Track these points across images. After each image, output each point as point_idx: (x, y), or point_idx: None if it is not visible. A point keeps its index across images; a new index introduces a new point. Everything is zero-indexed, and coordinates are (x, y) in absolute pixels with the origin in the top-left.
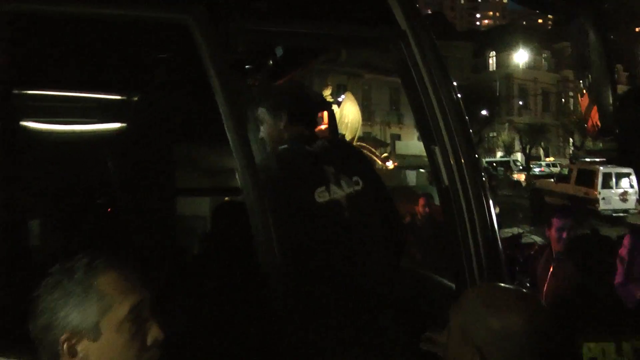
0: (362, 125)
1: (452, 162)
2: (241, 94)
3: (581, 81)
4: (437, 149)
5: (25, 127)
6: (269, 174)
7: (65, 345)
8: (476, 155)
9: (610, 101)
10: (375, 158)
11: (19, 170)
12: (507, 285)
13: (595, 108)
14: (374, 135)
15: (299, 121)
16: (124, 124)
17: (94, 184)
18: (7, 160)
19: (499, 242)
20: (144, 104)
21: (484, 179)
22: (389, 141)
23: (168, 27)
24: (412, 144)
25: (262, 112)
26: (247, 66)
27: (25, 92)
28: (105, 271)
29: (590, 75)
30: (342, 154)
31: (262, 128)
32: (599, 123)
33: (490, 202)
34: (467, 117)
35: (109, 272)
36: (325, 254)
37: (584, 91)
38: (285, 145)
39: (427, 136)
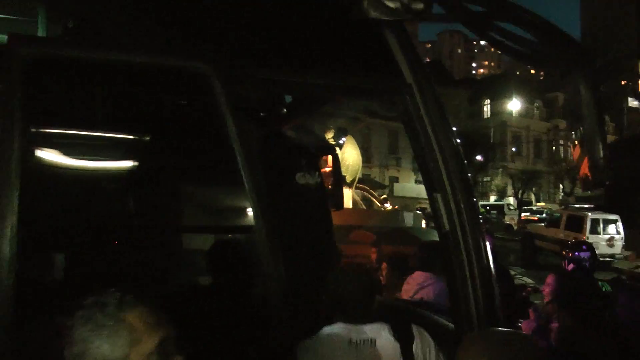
0: (362, 167)
1: (452, 207)
2: (254, 138)
3: (573, 132)
4: (439, 196)
5: (43, 165)
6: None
7: None
8: (475, 200)
9: (601, 155)
10: (373, 200)
11: (37, 204)
12: (510, 331)
13: (586, 160)
14: (373, 177)
15: None
16: (139, 164)
17: (107, 219)
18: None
19: (496, 285)
20: (160, 146)
21: (482, 224)
22: (387, 183)
23: (188, 74)
24: (409, 187)
25: None
26: (260, 113)
27: (47, 131)
28: (135, 306)
29: (582, 128)
30: None
31: None
32: (589, 174)
33: (488, 245)
34: (465, 163)
35: (139, 308)
36: None
37: (576, 142)
38: None
39: (430, 183)
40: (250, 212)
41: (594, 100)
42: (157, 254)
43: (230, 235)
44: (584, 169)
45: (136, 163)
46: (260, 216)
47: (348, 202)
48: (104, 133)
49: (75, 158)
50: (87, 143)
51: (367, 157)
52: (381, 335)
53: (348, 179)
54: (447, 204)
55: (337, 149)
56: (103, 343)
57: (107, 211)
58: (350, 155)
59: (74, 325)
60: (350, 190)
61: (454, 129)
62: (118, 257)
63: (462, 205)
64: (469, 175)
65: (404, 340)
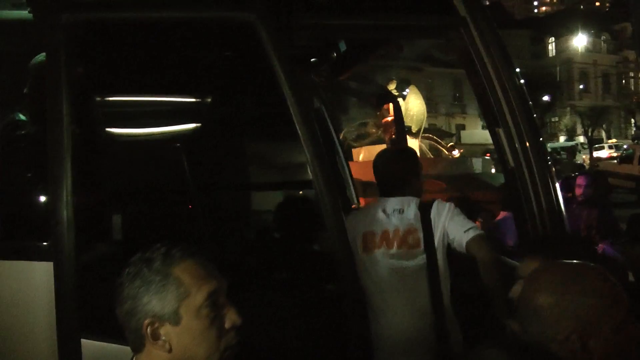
0: (427, 117)
1: (516, 143)
2: (306, 88)
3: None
4: (501, 131)
5: (103, 130)
6: None
7: (148, 330)
8: (541, 138)
9: None
10: (441, 148)
11: (101, 170)
12: (581, 263)
13: None
14: (439, 127)
15: None
16: (193, 123)
17: (172, 183)
18: (91, 161)
19: (566, 223)
20: (212, 103)
21: (549, 162)
22: (454, 131)
23: (233, 26)
24: (477, 133)
25: None
26: (311, 60)
27: (100, 97)
28: (182, 260)
29: None
30: None
31: None
32: None
33: (557, 184)
34: (530, 101)
35: (186, 261)
36: None
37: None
38: None
39: (491, 118)
40: (304, 165)
41: None
42: (211, 210)
43: (286, 189)
44: None
45: (189, 123)
46: (316, 169)
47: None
48: (154, 95)
49: (127, 122)
50: (139, 106)
51: (432, 106)
52: (409, 205)
53: (414, 129)
54: (511, 140)
55: (401, 99)
56: (152, 299)
57: (163, 172)
58: (414, 105)
59: (123, 282)
60: (417, 140)
61: (517, 70)
62: (175, 215)
63: (526, 140)
64: (532, 109)
65: (425, 209)
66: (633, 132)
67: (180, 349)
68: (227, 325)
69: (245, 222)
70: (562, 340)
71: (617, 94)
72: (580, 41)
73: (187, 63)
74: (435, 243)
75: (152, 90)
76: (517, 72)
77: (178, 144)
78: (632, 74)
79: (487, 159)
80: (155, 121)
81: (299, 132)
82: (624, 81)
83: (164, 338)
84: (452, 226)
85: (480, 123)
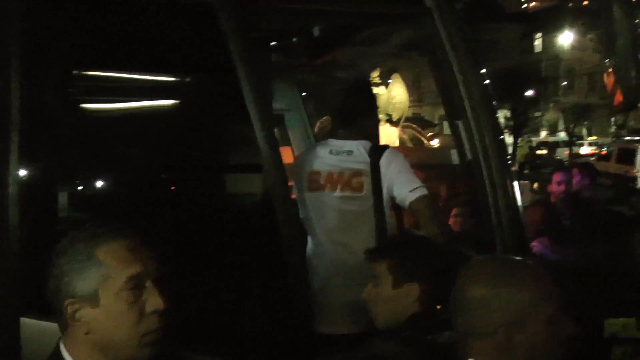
0: (412, 106)
1: (475, 138)
2: (266, 73)
3: (607, 60)
4: (460, 124)
5: (84, 107)
6: None
7: (68, 310)
8: (499, 129)
9: (634, 74)
10: (421, 137)
11: (48, 146)
12: (518, 259)
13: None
14: (423, 116)
15: None
16: (149, 102)
17: (125, 161)
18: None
19: (521, 217)
20: (168, 86)
21: (507, 156)
22: (437, 121)
23: (195, 8)
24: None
25: None
26: (272, 44)
27: (79, 72)
28: (107, 241)
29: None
30: None
31: None
32: (623, 97)
33: (514, 178)
34: (491, 94)
35: (111, 242)
36: None
37: (610, 69)
38: None
39: (451, 110)
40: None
41: (626, 16)
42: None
43: (230, 173)
44: (619, 95)
45: (144, 101)
46: (268, 154)
47: (394, 141)
48: (108, 72)
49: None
50: (99, 83)
51: (417, 96)
52: (359, 149)
53: (395, 118)
54: (470, 133)
55: (384, 87)
56: (73, 279)
57: (115, 150)
58: (397, 93)
59: (51, 260)
60: (398, 128)
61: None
62: (126, 194)
63: (486, 135)
64: (494, 104)
65: (375, 155)
66: (613, 130)
67: (98, 331)
68: (148, 309)
69: (197, 204)
70: (488, 334)
71: (601, 92)
72: (567, 38)
73: (142, 43)
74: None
75: (108, 66)
76: (481, 66)
77: (130, 123)
78: None
79: None
80: (109, 98)
81: (252, 116)
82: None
83: (83, 319)
84: (400, 181)
85: None
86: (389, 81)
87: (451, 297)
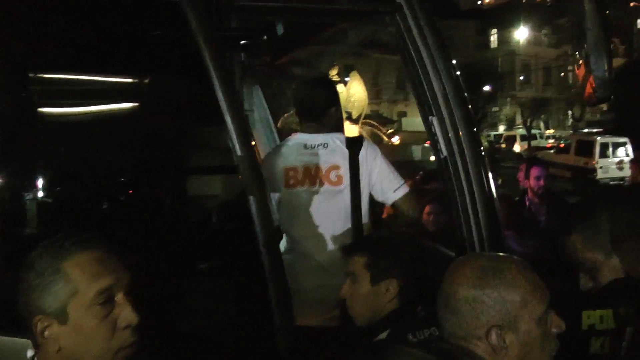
0: (371, 104)
1: (450, 131)
2: (234, 71)
3: (577, 52)
4: (434, 120)
5: (41, 111)
6: None
7: (38, 327)
8: (474, 124)
9: (606, 68)
10: (381, 134)
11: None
12: (501, 255)
13: (591, 78)
14: (381, 113)
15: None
16: (112, 106)
17: (102, 168)
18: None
19: (498, 212)
20: (134, 86)
21: (482, 150)
22: (395, 118)
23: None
24: (418, 121)
25: None
26: (241, 42)
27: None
28: (74, 254)
29: (586, 45)
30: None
31: None
32: (595, 91)
33: (490, 173)
34: (465, 90)
35: (78, 255)
36: None
37: (581, 62)
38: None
39: (425, 106)
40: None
41: (598, 10)
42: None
43: (204, 177)
44: (589, 87)
45: (107, 104)
46: (243, 155)
47: None
48: (68, 73)
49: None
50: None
51: (375, 93)
52: (334, 141)
53: (354, 115)
54: (444, 128)
55: (343, 85)
56: (41, 294)
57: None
58: (356, 91)
59: (21, 274)
60: (357, 126)
61: (461, 62)
62: (91, 200)
63: (460, 129)
64: (467, 98)
65: (354, 147)
66: (570, 124)
67: (69, 348)
68: (121, 324)
69: (166, 207)
70: (480, 335)
71: (558, 87)
72: (522, 34)
73: (106, 41)
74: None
75: (68, 68)
76: (453, 61)
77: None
78: (570, 68)
79: (427, 146)
80: (68, 101)
81: (226, 118)
82: (563, 74)
83: (53, 336)
84: (382, 179)
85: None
86: (347, 79)
87: (439, 298)
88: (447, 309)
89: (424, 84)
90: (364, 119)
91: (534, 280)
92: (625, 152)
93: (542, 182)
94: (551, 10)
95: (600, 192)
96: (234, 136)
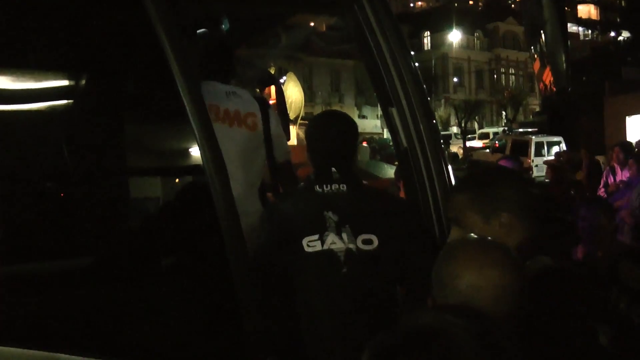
0: (305, 106)
1: (409, 123)
2: (192, 62)
3: (532, 47)
4: (394, 111)
5: None
6: None
7: None
8: (433, 115)
9: (564, 59)
10: None
11: None
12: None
13: (547, 70)
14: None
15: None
16: (68, 101)
17: (45, 167)
18: None
19: None
20: (88, 79)
21: (442, 142)
22: None
23: None
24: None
25: None
26: (198, 31)
27: None
28: None
29: (542, 40)
30: (361, 203)
31: None
32: (552, 82)
33: (449, 165)
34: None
35: None
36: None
37: (535, 56)
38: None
39: (384, 98)
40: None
41: (556, 3)
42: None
43: (173, 176)
44: (546, 78)
45: (59, 101)
46: (206, 150)
47: (293, 140)
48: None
49: None
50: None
51: (309, 96)
52: (246, 94)
53: (292, 116)
54: (404, 120)
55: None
56: None
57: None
58: (292, 92)
59: None
60: (295, 127)
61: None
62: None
63: (420, 121)
64: (425, 90)
65: (264, 106)
66: (504, 125)
67: None
68: None
69: (127, 210)
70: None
71: (490, 89)
72: (454, 37)
73: (56, 33)
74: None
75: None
76: (411, 52)
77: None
78: (503, 71)
79: (364, 146)
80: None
81: (189, 113)
82: (495, 77)
83: None
84: (281, 139)
85: (356, 112)
86: (283, 80)
87: (438, 282)
88: (446, 293)
89: (383, 74)
90: (301, 119)
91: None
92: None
93: None
94: (482, 15)
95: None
96: (197, 130)
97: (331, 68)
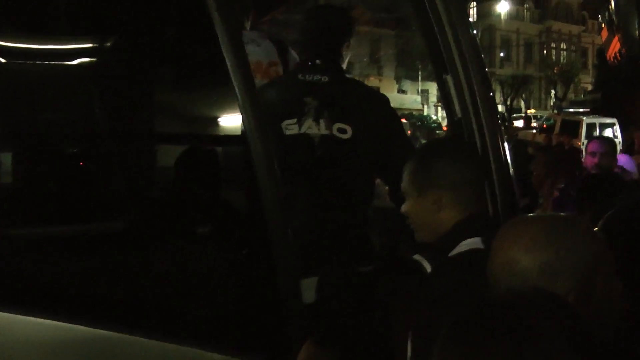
0: None
1: (465, 92)
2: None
3: (600, 15)
4: (449, 79)
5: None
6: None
7: None
8: (490, 86)
9: (637, 25)
10: None
11: None
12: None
13: (616, 39)
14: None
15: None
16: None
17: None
18: None
19: (513, 178)
20: (127, 44)
21: (498, 116)
22: None
23: None
24: (392, 97)
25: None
26: None
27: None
28: None
29: (611, 7)
30: (340, 94)
31: None
32: (621, 51)
33: (505, 136)
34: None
35: None
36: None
37: (603, 25)
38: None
39: (439, 65)
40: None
41: None
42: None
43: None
44: (613, 48)
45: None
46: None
47: None
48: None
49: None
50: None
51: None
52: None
53: None
54: (460, 89)
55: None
56: None
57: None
58: None
59: None
60: None
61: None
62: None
63: (476, 90)
64: (483, 59)
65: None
66: (552, 103)
67: None
68: None
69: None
70: None
71: (539, 64)
72: (502, 7)
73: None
74: None
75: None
76: (469, 18)
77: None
78: (554, 45)
79: (404, 122)
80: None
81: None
82: (545, 51)
83: None
84: None
85: (396, 86)
86: None
87: (494, 266)
88: (507, 278)
89: (439, 39)
90: None
91: (598, 237)
92: (612, 134)
93: (596, 160)
94: None
95: None
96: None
97: (370, 38)
